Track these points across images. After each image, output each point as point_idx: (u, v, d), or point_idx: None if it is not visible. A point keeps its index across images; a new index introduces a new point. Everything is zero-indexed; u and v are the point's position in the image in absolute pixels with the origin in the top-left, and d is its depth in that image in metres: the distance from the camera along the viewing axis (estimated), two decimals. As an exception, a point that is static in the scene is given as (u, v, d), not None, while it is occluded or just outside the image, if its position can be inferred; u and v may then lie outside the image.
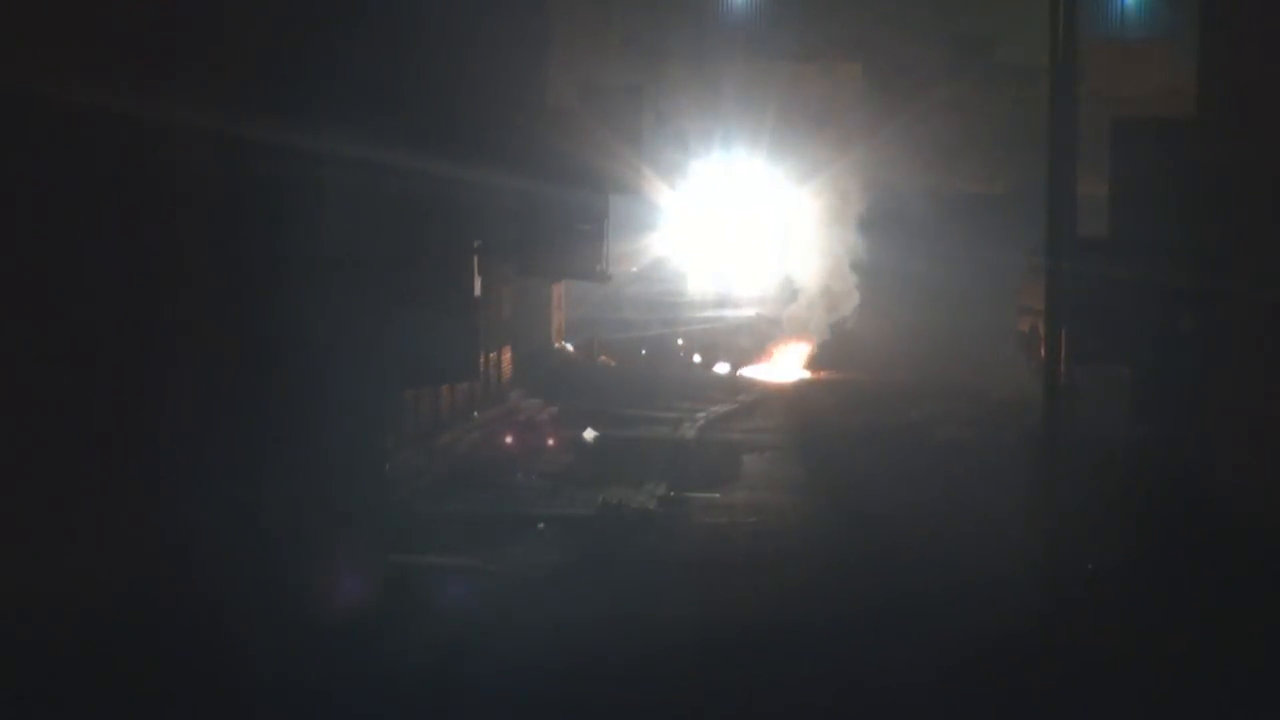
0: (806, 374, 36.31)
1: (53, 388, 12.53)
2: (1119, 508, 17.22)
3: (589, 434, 26.33)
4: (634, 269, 37.29)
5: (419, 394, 21.87)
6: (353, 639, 13.72)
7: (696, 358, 36.85)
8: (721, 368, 36.57)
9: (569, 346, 34.03)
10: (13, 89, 12.04)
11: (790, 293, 38.22)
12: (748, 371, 36.57)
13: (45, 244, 12.46)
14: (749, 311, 38.03)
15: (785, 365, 36.85)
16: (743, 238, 38.86)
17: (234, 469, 14.16)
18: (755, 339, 37.57)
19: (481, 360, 23.50)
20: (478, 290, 22.22)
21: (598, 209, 27.05)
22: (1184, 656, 13.53)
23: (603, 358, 34.53)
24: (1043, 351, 18.13)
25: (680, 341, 37.03)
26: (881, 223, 37.39)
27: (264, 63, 14.92)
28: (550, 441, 25.45)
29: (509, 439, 25.02)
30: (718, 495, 22.34)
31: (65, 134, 12.49)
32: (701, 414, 30.68)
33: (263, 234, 14.99)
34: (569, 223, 26.43)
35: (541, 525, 19.05)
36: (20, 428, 12.27)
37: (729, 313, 37.95)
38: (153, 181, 13.32)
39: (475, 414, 25.19)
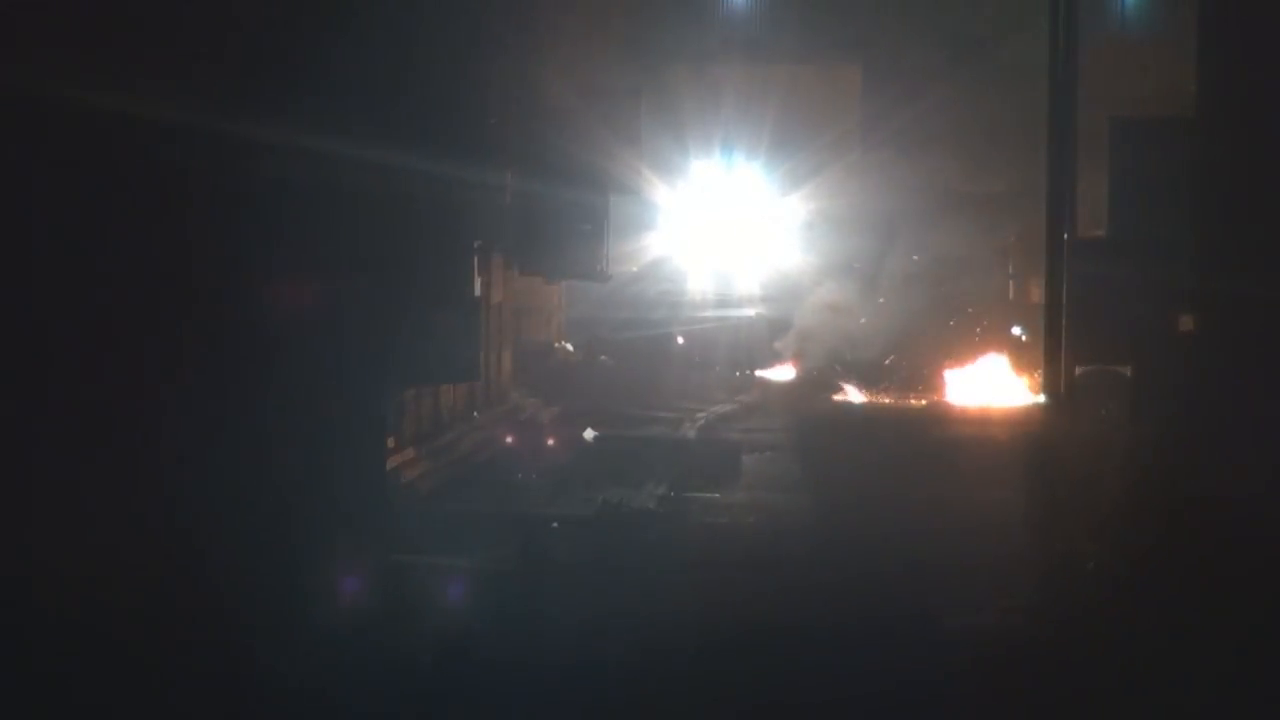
0: (806, 373, 36.27)
1: (53, 388, 12.53)
2: (1119, 507, 17.20)
3: (589, 434, 26.32)
4: (634, 269, 37.27)
5: (419, 394, 21.87)
6: (353, 639, 13.72)
7: (696, 358, 36.84)
8: (722, 367, 36.56)
9: (569, 346, 34.02)
10: (13, 89, 12.05)
11: (790, 292, 38.20)
12: (748, 371, 36.56)
13: (45, 244, 12.46)
14: (749, 311, 38.01)
15: (785, 365, 36.84)
16: (742, 238, 38.86)
17: (234, 469, 14.16)
18: (755, 339, 37.55)
19: (481, 360, 23.49)
20: (478, 290, 22.21)
21: (598, 209, 27.04)
22: (1183, 656, 13.52)
23: (602, 357, 34.52)
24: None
25: (680, 341, 37.02)
26: (880, 222, 37.38)
27: (264, 63, 14.92)
28: (550, 441, 25.44)
29: (509, 439, 25.01)
30: (718, 495, 22.34)
31: (66, 134, 12.49)
32: (701, 414, 30.69)
33: (263, 234, 14.99)
34: (569, 223, 26.41)
35: (555, 525, 19.03)
36: (20, 429, 12.27)
37: (729, 313, 37.93)
38: (153, 181, 13.33)
39: (475, 414, 25.19)
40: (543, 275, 28.97)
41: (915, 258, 36.40)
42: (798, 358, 36.37)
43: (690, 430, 28.85)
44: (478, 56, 21.07)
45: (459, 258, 20.56)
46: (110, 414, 12.95)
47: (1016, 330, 33.69)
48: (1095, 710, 12.79)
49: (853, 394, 33.67)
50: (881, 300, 36.35)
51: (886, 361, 34.97)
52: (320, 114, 15.57)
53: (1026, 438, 19.26)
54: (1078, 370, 18.58)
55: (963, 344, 34.00)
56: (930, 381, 33.18)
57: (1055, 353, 17.83)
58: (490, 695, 12.81)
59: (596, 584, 16.38)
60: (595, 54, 30.30)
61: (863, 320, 36.19)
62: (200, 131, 13.65)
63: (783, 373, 36.40)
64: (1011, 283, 35.77)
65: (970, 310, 34.85)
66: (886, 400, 33.21)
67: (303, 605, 14.02)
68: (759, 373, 36.46)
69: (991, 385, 32.42)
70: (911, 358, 34.33)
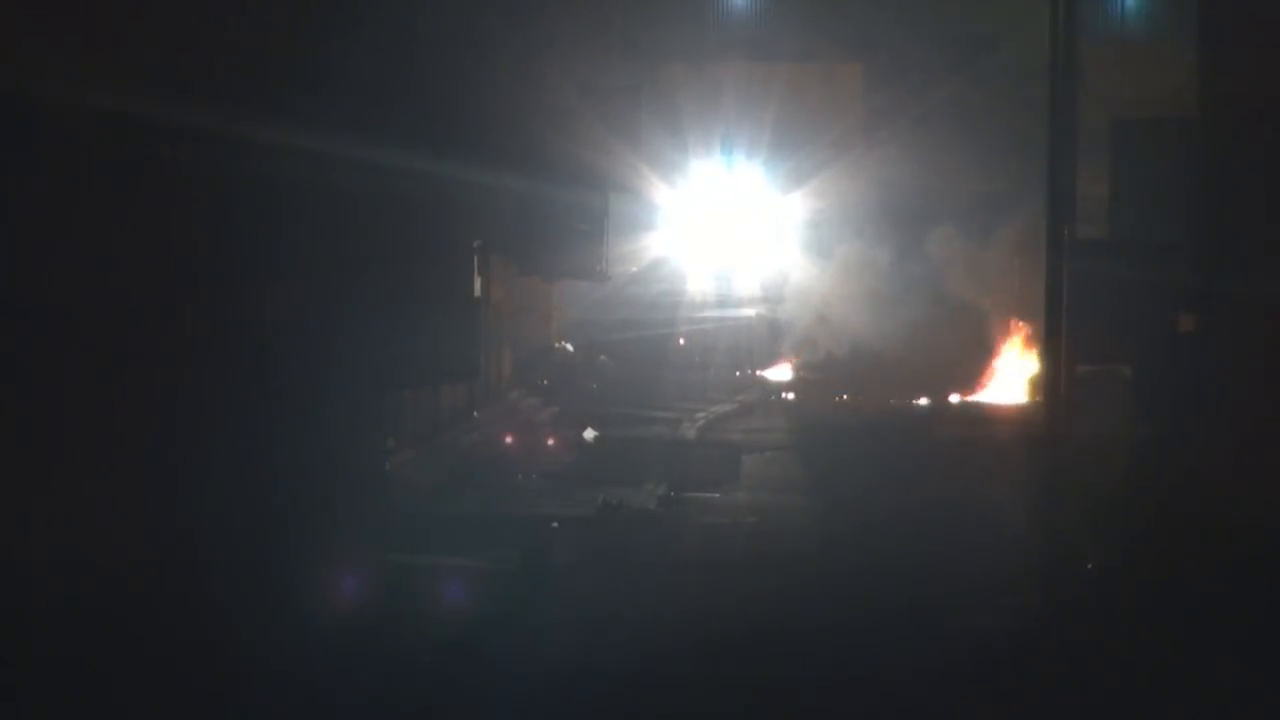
0: (805, 374, 36.27)
1: (51, 388, 12.53)
2: (1119, 508, 17.20)
3: (589, 434, 26.33)
4: (633, 269, 37.25)
5: (419, 394, 21.86)
6: (353, 639, 13.72)
7: (696, 358, 36.84)
8: (722, 367, 36.56)
9: (569, 346, 34.02)
10: (13, 89, 12.05)
11: (789, 293, 38.19)
12: (748, 372, 36.56)
13: (43, 244, 12.46)
14: (749, 312, 38.00)
15: (784, 365, 36.84)
16: (742, 238, 38.84)
17: (234, 469, 14.15)
18: (755, 339, 37.55)
19: (481, 360, 23.49)
20: (478, 290, 22.21)
21: (597, 209, 27.05)
22: (1183, 656, 13.52)
23: (602, 358, 34.53)
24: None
25: (681, 341, 37.02)
26: (880, 222, 37.36)
27: (264, 63, 14.91)
28: (550, 441, 25.44)
29: (509, 439, 25.01)
30: (718, 495, 22.34)
31: (65, 134, 12.49)
32: (701, 414, 30.69)
33: (262, 234, 14.98)
34: (569, 223, 26.42)
35: (555, 525, 19.04)
36: (19, 429, 12.27)
37: (729, 313, 37.93)
38: (153, 181, 13.32)
39: (475, 414, 25.19)
40: (542, 275, 28.98)
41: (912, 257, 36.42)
42: (793, 357, 36.37)
43: (690, 430, 28.84)
44: (477, 56, 21.06)
45: (459, 258, 20.56)
46: (109, 413, 12.95)
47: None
48: (1096, 710, 12.78)
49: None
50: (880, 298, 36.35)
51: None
52: (321, 114, 15.56)
53: (1029, 438, 19.22)
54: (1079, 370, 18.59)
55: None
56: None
57: (1055, 353, 17.82)
58: (489, 695, 12.81)
59: (596, 584, 16.38)
60: (595, 53, 30.30)
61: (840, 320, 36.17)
62: (200, 131, 13.64)
63: (781, 372, 36.43)
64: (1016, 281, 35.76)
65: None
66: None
67: (302, 605, 14.01)
68: (759, 373, 36.47)
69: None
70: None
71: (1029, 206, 27.60)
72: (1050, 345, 17.80)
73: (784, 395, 34.73)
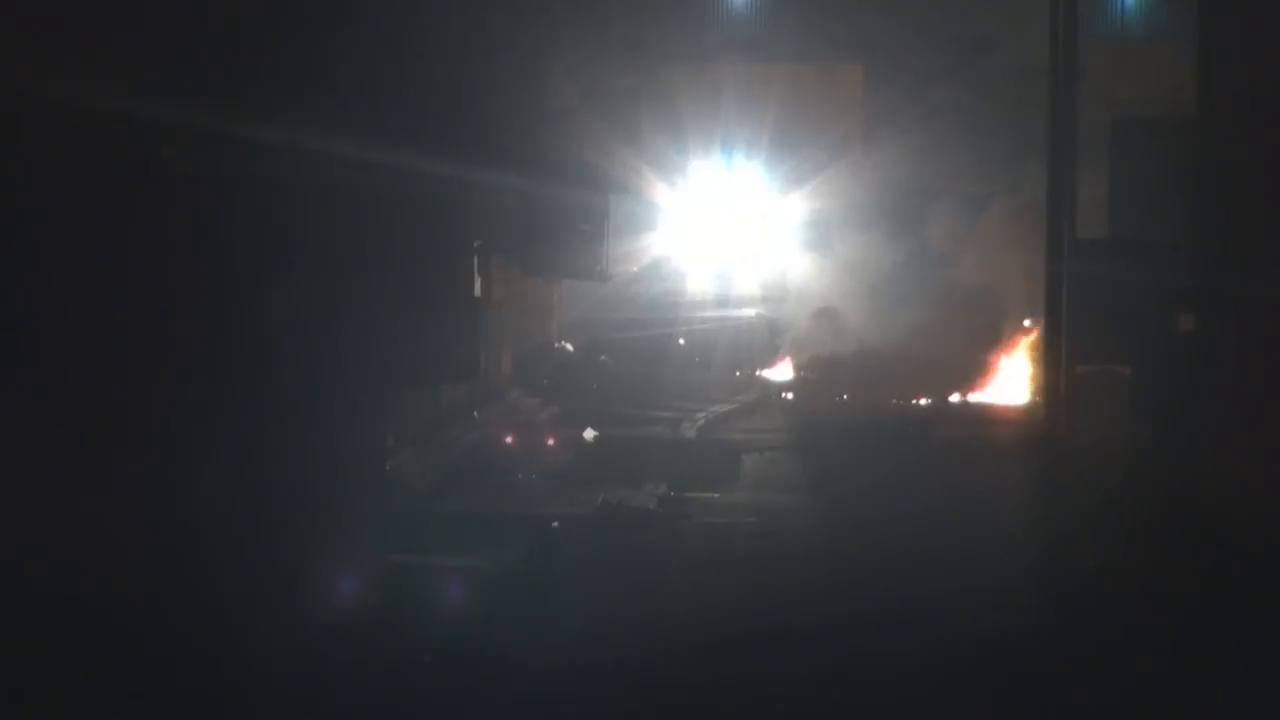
0: (806, 373, 36.26)
1: (52, 388, 12.54)
2: (1119, 508, 17.21)
3: (589, 434, 26.33)
4: (634, 269, 37.26)
5: (419, 394, 21.85)
6: (353, 639, 13.72)
7: (696, 358, 36.86)
8: (722, 367, 36.56)
9: (569, 346, 34.03)
10: (13, 89, 12.06)
11: (789, 293, 38.21)
12: (748, 371, 36.57)
13: (43, 244, 12.47)
14: (749, 311, 38.01)
15: (785, 365, 36.85)
16: (742, 238, 38.86)
17: (233, 469, 14.16)
18: (755, 339, 37.56)
19: (481, 360, 23.49)
20: (478, 290, 22.20)
21: (598, 209, 27.05)
22: (1183, 656, 13.53)
23: (603, 358, 34.54)
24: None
25: (681, 341, 37.02)
26: (880, 223, 37.38)
27: (264, 62, 14.91)
28: (550, 441, 25.45)
29: (509, 439, 25.02)
30: (717, 495, 22.34)
31: (65, 134, 12.50)
32: (701, 414, 30.69)
33: (263, 234, 14.98)
34: (569, 223, 26.41)
35: (555, 524, 19.03)
36: (18, 428, 12.28)
37: (729, 313, 37.94)
38: (152, 181, 13.33)
39: (475, 414, 25.19)
40: (543, 275, 28.98)
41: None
42: (792, 357, 36.37)
43: (690, 430, 28.85)
44: (480, 57, 21.06)
45: (459, 258, 20.54)
46: (108, 413, 12.95)
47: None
48: (1096, 710, 12.79)
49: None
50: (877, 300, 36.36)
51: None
52: (320, 114, 15.56)
53: (1029, 438, 19.25)
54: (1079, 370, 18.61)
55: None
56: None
57: (1055, 353, 17.84)
58: (489, 696, 12.82)
59: (596, 584, 16.38)
60: (596, 54, 30.31)
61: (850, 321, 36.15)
62: (200, 131, 13.65)
63: (781, 372, 36.44)
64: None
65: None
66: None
67: (302, 605, 14.01)
68: (759, 373, 36.47)
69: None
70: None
71: (1026, 205, 27.65)
72: (1050, 345, 17.82)
73: (784, 395, 34.73)
